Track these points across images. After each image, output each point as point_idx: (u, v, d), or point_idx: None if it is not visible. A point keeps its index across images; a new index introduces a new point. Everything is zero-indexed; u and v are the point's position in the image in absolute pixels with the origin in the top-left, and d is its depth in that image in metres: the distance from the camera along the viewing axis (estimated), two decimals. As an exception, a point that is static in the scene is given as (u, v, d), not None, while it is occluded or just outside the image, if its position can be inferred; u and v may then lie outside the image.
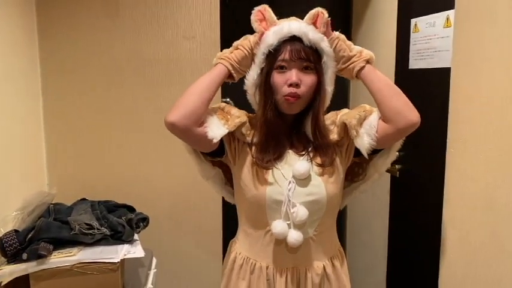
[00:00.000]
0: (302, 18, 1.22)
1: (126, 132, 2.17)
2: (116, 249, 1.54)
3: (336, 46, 1.20)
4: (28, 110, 1.96)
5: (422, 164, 1.87)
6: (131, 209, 1.82)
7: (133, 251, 1.55)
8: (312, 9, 1.20)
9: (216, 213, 2.28)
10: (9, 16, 1.77)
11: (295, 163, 1.21)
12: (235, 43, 1.25)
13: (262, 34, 1.20)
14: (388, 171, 2.01)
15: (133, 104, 2.16)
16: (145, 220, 1.73)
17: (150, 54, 2.14)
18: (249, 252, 1.28)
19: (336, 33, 1.21)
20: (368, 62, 1.20)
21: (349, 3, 2.82)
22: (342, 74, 1.25)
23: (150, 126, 2.15)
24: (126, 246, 1.56)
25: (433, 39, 1.77)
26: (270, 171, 1.21)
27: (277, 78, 1.18)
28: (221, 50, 1.27)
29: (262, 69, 1.21)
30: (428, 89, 1.78)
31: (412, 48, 1.91)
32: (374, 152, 1.22)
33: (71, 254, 1.48)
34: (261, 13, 1.22)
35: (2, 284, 1.38)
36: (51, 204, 1.74)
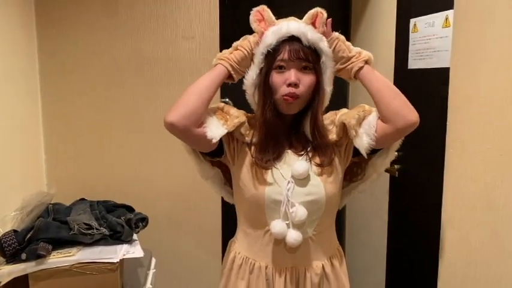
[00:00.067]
0: (301, 19, 1.22)
1: (125, 132, 2.17)
2: (115, 249, 1.53)
3: (335, 47, 1.20)
4: (27, 110, 1.96)
5: (421, 164, 1.87)
6: (130, 209, 1.82)
7: (132, 251, 1.55)
8: (311, 9, 1.20)
9: (215, 213, 2.28)
10: (8, 16, 1.77)
11: (294, 163, 1.21)
12: (234, 44, 1.25)
13: (262, 34, 1.20)
14: (387, 171, 2.01)
15: (133, 104, 2.16)
16: (144, 220, 1.73)
17: (150, 54, 2.14)
18: (248, 252, 1.28)
19: (336, 34, 1.21)
20: (367, 62, 1.20)
21: (348, 3, 2.82)
22: (340, 75, 1.25)
23: (149, 126, 2.15)
24: (125, 246, 1.56)
25: (432, 39, 1.77)
26: (269, 171, 1.21)
27: (276, 78, 1.18)
28: (220, 50, 1.27)
29: (261, 69, 1.21)
30: (427, 89, 1.78)
31: (411, 48, 1.91)
32: (373, 151, 1.22)
33: (70, 254, 1.48)
34: (259, 13, 1.22)
35: (1, 284, 1.38)
36: (50, 204, 1.74)
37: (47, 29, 2.05)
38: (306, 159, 1.23)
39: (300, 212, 1.17)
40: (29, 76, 1.99)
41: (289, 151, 1.25)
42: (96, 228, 1.57)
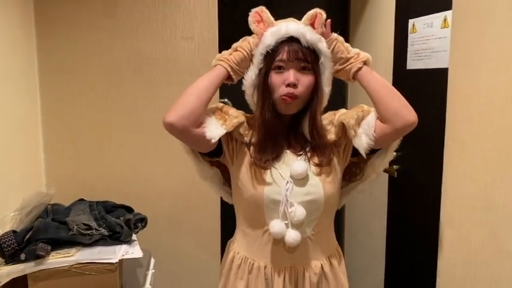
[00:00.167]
0: (300, 19, 1.22)
1: (124, 132, 2.17)
2: (114, 249, 1.54)
3: (334, 47, 1.21)
4: (26, 110, 1.96)
5: (420, 164, 1.87)
6: (129, 210, 1.82)
7: (131, 251, 1.55)
8: (310, 9, 1.21)
9: (214, 214, 2.28)
10: (7, 15, 1.77)
11: (293, 163, 1.21)
12: (234, 45, 1.25)
13: (261, 35, 1.21)
14: (386, 171, 2.01)
15: (132, 104, 2.16)
16: (143, 220, 1.73)
17: (149, 54, 2.14)
18: (247, 252, 1.28)
19: (335, 35, 1.22)
20: (365, 63, 1.20)
21: (347, 4, 2.83)
22: (338, 76, 1.26)
23: (148, 126, 2.15)
24: (124, 247, 1.56)
25: (431, 39, 1.77)
26: (268, 171, 1.22)
27: (275, 78, 1.19)
28: (219, 51, 1.28)
29: (260, 70, 1.21)
30: (426, 89, 1.78)
31: (410, 48, 1.91)
32: (372, 152, 1.22)
33: (69, 254, 1.48)
34: (258, 15, 1.23)
35: (0, 285, 1.38)
36: (49, 204, 1.74)
37: (46, 29, 2.05)
38: (305, 159, 1.23)
39: (298, 212, 1.17)
40: (28, 75, 1.99)
41: (288, 151, 1.25)
42: (95, 229, 1.57)
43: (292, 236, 1.19)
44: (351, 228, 2.92)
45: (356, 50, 1.22)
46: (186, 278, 2.33)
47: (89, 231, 1.56)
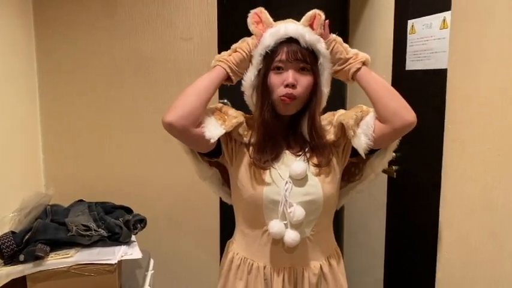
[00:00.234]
0: (299, 20, 1.22)
1: (123, 132, 2.17)
2: (113, 250, 1.54)
3: (332, 48, 1.21)
4: (25, 110, 1.96)
5: (419, 165, 1.88)
6: (128, 210, 1.82)
7: (130, 252, 1.55)
8: (309, 10, 1.21)
9: (213, 214, 2.28)
10: (5, 16, 1.77)
11: (292, 163, 1.21)
12: (233, 46, 1.25)
13: (260, 36, 1.21)
14: (385, 171, 2.02)
15: (131, 104, 2.16)
16: (142, 221, 1.73)
17: (148, 55, 2.14)
18: (246, 253, 1.28)
19: (333, 36, 1.22)
20: (364, 64, 1.20)
21: (346, 5, 2.83)
22: (337, 76, 1.26)
23: (147, 127, 2.15)
24: (123, 248, 1.57)
25: (430, 40, 1.77)
26: (267, 171, 1.22)
27: (274, 79, 1.19)
28: (219, 52, 1.28)
29: (259, 71, 1.21)
30: (425, 90, 1.79)
31: (409, 49, 1.91)
32: (371, 152, 1.22)
33: (68, 255, 1.48)
34: (257, 15, 1.23)
35: (-1, 286, 1.38)
36: (48, 205, 1.73)
37: (45, 29, 2.05)
38: (304, 160, 1.23)
39: (297, 212, 1.17)
40: (27, 76, 1.99)
41: (287, 152, 1.25)
42: (95, 230, 1.57)
43: (291, 236, 1.19)
44: (350, 228, 2.92)
45: (355, 51, 1.22)
46: (185, 279, 2.33)
47: (88, 232, 1.56)
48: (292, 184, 1.20)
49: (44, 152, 2.10)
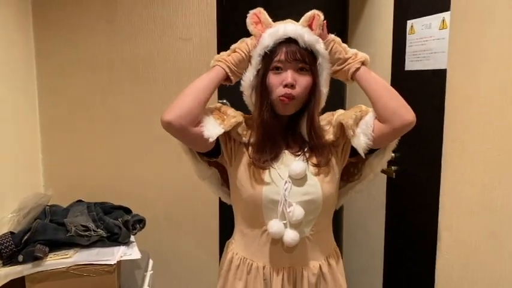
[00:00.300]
0: (298, 21, 1.22)
1: (122, 133, 2.17)
2: (112, 251, 1.54)
3: (331, 48, 1.21)
4: (24, 111, 1.96)
5: (418, 165, 1.88)
6: (127, 211, 1.82)
7: (129, 252, 1.55)
8: (308, 11, 1.21)
9: (213, 214, 2.28)
10: (4, 18, 1.77)
11: (291, 163, 1.21)
12: (232, 46, 1.25)
13: (260, 37, 1.21)
14: (384, 172, 2.02)
15: (130, 105, 2.16)
16: (141, 222, 1.73)
17: (147, 55, 2.14)
18: (245, 252, 1.28)
19: (332, 36, 1.22)
20: (363, 63, 1.21)
21: (345, 5, 2.83)
22: (336, 77, 1.26)
23: (146, 128, 2.15)
24: (122, 248, 1.56)
25: (429, 40, 1.77)
26: (267, 171, 1.22)
27: (273, 79, 1.19)
28: (218, 52, 1.28)
29: (258, 71, 1.21)
30: (424, 90, 1.79)
31: (408, 49, 1.92)
32: (370, 151, 1.23)
33: (67, 256, 1.47)
34: (256, 16, 1.23)
35: (-2, 286, 1.38)
36: (47, 205, 1.73)
37: (44, 31, 2.05)
38: (303, 160, 1.23)
39: (297, 212, 1.17)
40: (26, 77, 1.99)
41: (286, 151, 1.25)
42: (93, 230, 1.57)
43: (291, 235, 1.19)
44: (349, 229, 2.92)
45: (354, 51, 1.22)
46: (184, 279, 2.32)
47: (87, 233, 1.56)
48: (292, 184, 1.20)
49: (43, 152, 2.10)
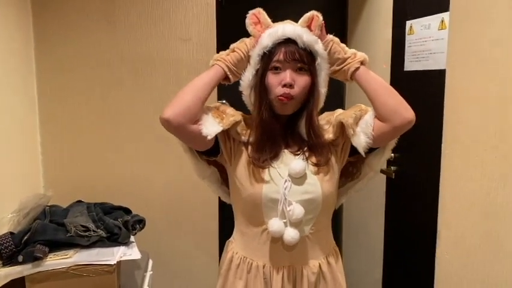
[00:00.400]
0: (297, 21, 1.22)
1: (122, 133, 2.17)
2: (112, 251, 1.54)
3: (330, 49, 1.21)
4: (24, 111, 1.96)
5: (418, 166, 1.88)
6: (127, 211, 1.82)
7: (129, 253, 1.55)
8: (307, 11, 1.21)
9: (212, 215, 2.28)
10: (4, 17, 1.77)
11: (291, 162, 1.22)
12: (232, 45, 1.26)
13: (259, 37, 1.21)
14: (383, 172, 2.02)
15: (130, 104, 2.16)
16: (141, 222, 1.73)
17: (146, 55, 2.14)
18: (245, 252, 1.29)
19: (330, 36, 1.22)
20: (362, 63, 1.21)
21: (344, 5, 2.84)
22: (336, 77, 1.26)
23: (146, 128, 2.15)
24: (122, 248, 1.56)
25: (428, 41, 1.78)
26: (266, 170, 1.22)
27: (272, 78, 1.19)
28: (217, 52, 1.28)
29: (257, 71, 1.22)
30: (424, 90, 1.79)
31: (408, 50, 1.92)
32: (369, 150, 1.23)
33: (67, 256, 1.48)
34: (255, 16, 1.23)
35: (-2, 287, 1.38)
36: (47, 206, 1.74)
37: (44, 30, 2.05)
38: (303, 158, 1.24)
39: (297, 211, 1.18)
40: (26, 77, 1.99)
41: (285, 151, 1.26)
42: (93, 230, 1.57)
43: (291, 234, 1.19)
44: (349, 229, 2.92)
45: (352, 51, 1.23)
46: (184, 279, 2.33)
47: (86, 233, 1.56)
48: (291, 182, 1.20)
49: (42, 153, 2.10)
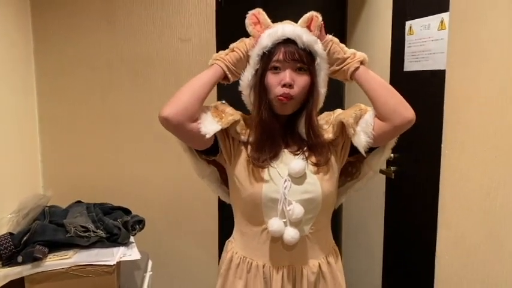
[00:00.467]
0: (297, 22, 1.22)
1: (121, 133, 2.17)
2: (111, 251, 1.54)
3: (330, 49, 1.21)
4: (23, 111, 1.96)
5: (417, 166, 1.88)
6: (127, 212, 1.82)
7: (129, 253, 1.55)
8: (307, 11, 1.21)
9: (212, 215, 2.28)
10: (3, 18, 1.77)
11: (290, 161, 1.22)
12: (231, 45, 1.26)
13: (258, 37, 1.21)
14: (383, 172, 2.02)
15: (129, 105, 2.16)
16: (141, 222, 1.73)
17: (146, 56, 2.14)
18: (245, 251, 1.29)
19: (329, 36, 1.23)
20: (362, 63, 1.21)
21: (344, 6, 2.84)
22: (335, 77, 1.27)
23: (145, 128, 2.15)
24: (122, 249, 1.56)
25: (428, 41, 1.78)
26: (266, 169, 1.22)
27: (271, 78, 1.19)
28: (217, 52, 1.28)
29: (256, 71, 1.22)
30: (423, 91, 1.79)
31: (407, 50, 1.92)
32: (369, 150, 1.23)
33: (67, 256, 1.47)
34: (255, 16, 1.24)
35: (-3, 287, 1.38)
36: (47, 206, 1.73)
37: (43, 31, 2.05)
38: (303, 158, 1.24)
39: (296, 210, 1.18)
40: (25, 77, 1.99)
41: (285, 150, 1.26)
42: (93, 231, 1.57)
43: (291, 234, 1.19)
44: (348, 229, 2.92)
45: (352, 50, 1.23)
46: (184, 280, 2.32)
47: (86, 233, 1.56)
48: (291, 182, 1.20)
49: (42, 153, 2.10)
